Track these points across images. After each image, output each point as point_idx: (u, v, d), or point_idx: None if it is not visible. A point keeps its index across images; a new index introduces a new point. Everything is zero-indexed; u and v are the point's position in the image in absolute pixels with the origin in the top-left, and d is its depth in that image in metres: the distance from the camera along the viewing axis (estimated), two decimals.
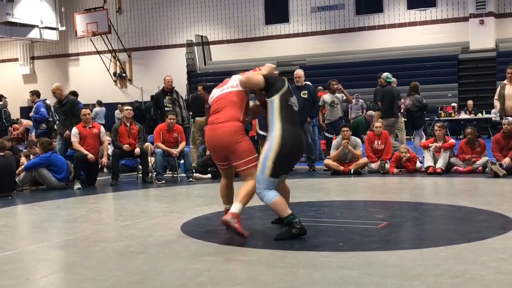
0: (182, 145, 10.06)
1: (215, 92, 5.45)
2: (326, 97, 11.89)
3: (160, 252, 4.81)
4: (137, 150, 9.87)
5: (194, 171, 10.12)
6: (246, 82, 5.24)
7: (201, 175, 10.11)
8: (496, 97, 10.37)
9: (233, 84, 5.36)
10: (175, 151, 9.92)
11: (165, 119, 10.47)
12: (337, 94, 11.72)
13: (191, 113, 11.76)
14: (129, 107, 10.38)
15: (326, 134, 11.99)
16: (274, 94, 5.08)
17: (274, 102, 5.06)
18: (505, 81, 10.30)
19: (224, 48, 26.14)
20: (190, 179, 9.84)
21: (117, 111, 21.34)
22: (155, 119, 12.07)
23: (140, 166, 10.22)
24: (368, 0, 23.70)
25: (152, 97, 17.85)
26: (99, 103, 20.79)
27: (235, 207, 5.12)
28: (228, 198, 5.60)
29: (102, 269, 4.36)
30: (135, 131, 10.05)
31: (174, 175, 10.45)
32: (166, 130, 10.05)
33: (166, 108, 11.17)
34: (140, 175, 10.17)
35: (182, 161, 10.28)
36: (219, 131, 5.19)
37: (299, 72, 10.64)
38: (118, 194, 8.91)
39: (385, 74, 12.22)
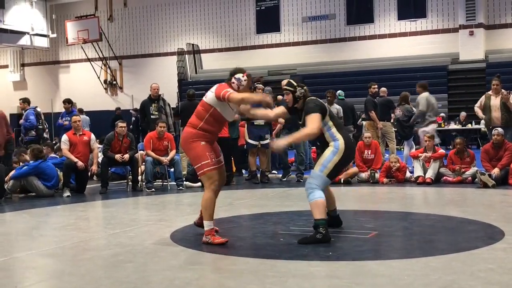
0: (172, 153, 10.03)
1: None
2: None
3: (149, 261, 4.79)
4: (126, 155, 9.80)
5: (184, 179, 10.10)
6: (316, 132, 5.35)
7: (191, 184, 10.09)
8: (478, 104, 10.45)
9: (206, 94, 5.44)
10: (165, 159, 9.89)
11: (151, 127, 10.46)
12: (334, 106, 11.70)
13: (180, 121, 11.68)
14: (124, 124, 10.13)
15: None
16: (325, 117, 5.43)
17: (328, 122, 5.45)
18: (490, 92, 10.38)
19: (215, 56, 26.17)
20: (180, 187, 9.82)
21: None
22: (142, 127, 11.95)
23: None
24: (359, 10, 23.82)
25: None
26: (81, 111, 20.45)
27: (205, 226, 5.33)
28: None
29: (90, 278, 4.33)
30: (127, 144, 10.00)
31: (164, 183, 10.41)
32: (156, 138, 10.02)
33: (152, 116, 11.14)
34: (130, 183, 10.13)
35: (172, 169, 10.25)
36: (182, 133, 5.53)
37: (284, 82, 10.57)
38: (107, 202, 8.87)
39: (338, 91, 12.28)
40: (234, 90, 5.31)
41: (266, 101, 5.35)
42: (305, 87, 5.55)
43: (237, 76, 5.39)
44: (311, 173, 5.49)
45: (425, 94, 11.18)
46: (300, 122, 5.51)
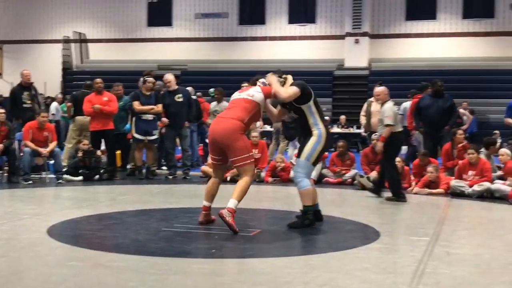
0: (52, 144, 9.63)
1: (235, 95, 6.04)
2: (212, 105, 11.90)
3: (23, 256, 4.57)
4: (0, 146, 9.29)
5: (64, 172, 9.73)
6: (288, 98, 5.83)
7: (71, 177, 9.73)
8: (362, 113, 10.90)
9: (250, 93, 5.89)
10: (44, 151, 9.48)
11: (24, 116, 9.98)
12: (223, 103, 11.71)
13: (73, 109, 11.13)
14: (3, 110, 9.60)
15: (207, 140, 11.97)
16: (309, 99, 5.90)
17: (311, 106, 5.93)
18: (371, 99, 10.84)
19: (103, 47, 25.47)
20: (60, 180, 9.46)
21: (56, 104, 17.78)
22: (13, 116, 11.08)
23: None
24: (251, 11, 24.11)
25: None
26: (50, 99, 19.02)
27: (231, 203, 5.55)
28: (209, 195, 5.94)
29: None
30: (4, 133, 9.47)
31: (43, 175, 9.98)
32: (37, 129, 9.58)
33: (24, 105, 10.60)
34: (6, 174, 9.63)
35: (51, 162, 9.84)
36: (222, 124, 5.74)
37: (169, 77, 10.43)
38: None
39: (210, 89, 12.41)
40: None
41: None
42: (286, 76, 6.03)
43: (261, 80, 6.08)
44: (297, 161, 5.95)
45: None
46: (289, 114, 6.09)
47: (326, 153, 8.73)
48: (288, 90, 5.85)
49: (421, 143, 10.54)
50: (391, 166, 8.08)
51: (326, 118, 19.47)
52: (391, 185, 8.05)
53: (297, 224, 5.84)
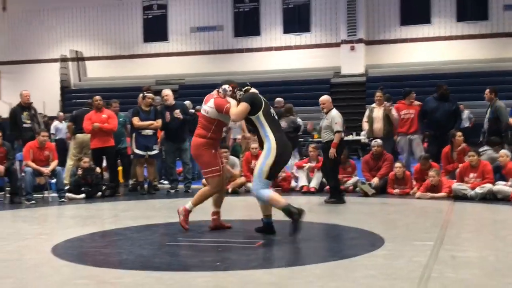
0: (54, 163, 9.63)
1: (202, 106, 6.36)
2: None
3: (29, 276, 4.56)
4: (1, 168, 9.27)
5: (66, 190, 9.72)
6: (237, 118, 5.99)
7: (73, 195, 9.72)
8: (365, 119, 10.89)
9: (205, 109, 6.21)
10: (46, 170, 9.48)
11: (24, 136, 9.97)
12: None
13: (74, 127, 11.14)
14: None
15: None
16: (257, 111, 5.83)
17: (260, 117, 5.84)
18: (373, 105, 10.85)
19: (101, 64, 25.51)
20: (62, 199, 9.45)
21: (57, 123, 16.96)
22: (13, 136, 11.06)
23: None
24: (246, 23, 24.19)
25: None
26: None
27: (187, 204, 6.26)
28: (215, 203, 6.44)
29: None
30: (3, 154, 9.46)
31: (45, 195, 9.97)
32: (37, 148, 9.59)
33: (24, 125, 10.64)
34: (8, 195, 9.62)
35: (53, 181, 9.84)
36: (192, 142, 6.32)
37: (166, 92, 10.43)
38: None
39: (187, 102, 12.45)
40: (221, 98, 6.13)
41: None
42: (246, 88, 6.06)
43: (223, 86, 6.14)
44: (254, 176, 5.94)
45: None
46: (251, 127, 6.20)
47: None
48: (236, 110, 5.87)
49: (404, 150, 10.51)
50: (334, 170, 8.73)
51: None
52: (332, 188, 8.63)
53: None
